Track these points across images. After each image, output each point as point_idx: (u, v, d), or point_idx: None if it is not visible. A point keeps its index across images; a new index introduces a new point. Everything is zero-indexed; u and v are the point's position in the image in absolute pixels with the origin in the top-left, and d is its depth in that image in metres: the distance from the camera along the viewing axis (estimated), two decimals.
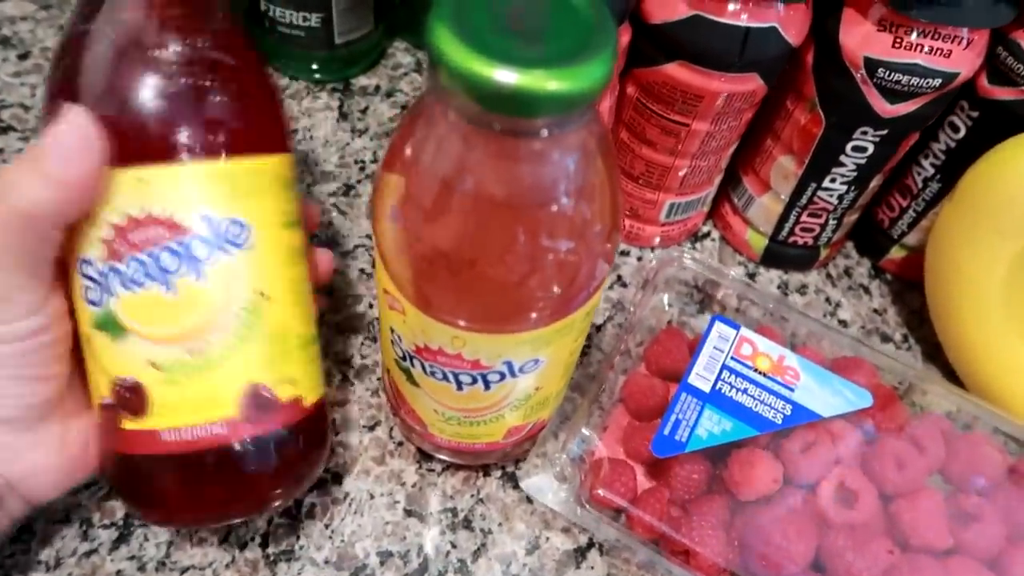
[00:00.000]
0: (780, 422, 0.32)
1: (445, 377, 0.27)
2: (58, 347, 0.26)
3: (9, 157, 0.43)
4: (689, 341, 0.36)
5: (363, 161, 0.46)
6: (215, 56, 0.26)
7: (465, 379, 0.26)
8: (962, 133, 0.39)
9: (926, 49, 0.33)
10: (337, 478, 0.35)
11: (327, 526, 0.34)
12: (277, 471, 0.27)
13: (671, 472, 0.32)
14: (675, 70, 0.35)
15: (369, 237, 0.43)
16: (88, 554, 0.32)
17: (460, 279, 0.23)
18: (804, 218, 0.42)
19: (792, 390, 0.33)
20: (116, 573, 0.31)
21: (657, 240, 0.45)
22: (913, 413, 0.35)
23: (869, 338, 0.44)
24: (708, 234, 0.48)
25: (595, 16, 0.19)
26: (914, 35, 0.33)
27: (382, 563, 0.33)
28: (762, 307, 0.37)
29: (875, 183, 0.41)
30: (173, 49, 0.25)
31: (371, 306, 0.40)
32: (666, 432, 0.31)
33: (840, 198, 0.41)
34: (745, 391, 0.32)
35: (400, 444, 0.36)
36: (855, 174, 0.39)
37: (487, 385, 0.27)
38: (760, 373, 0.33)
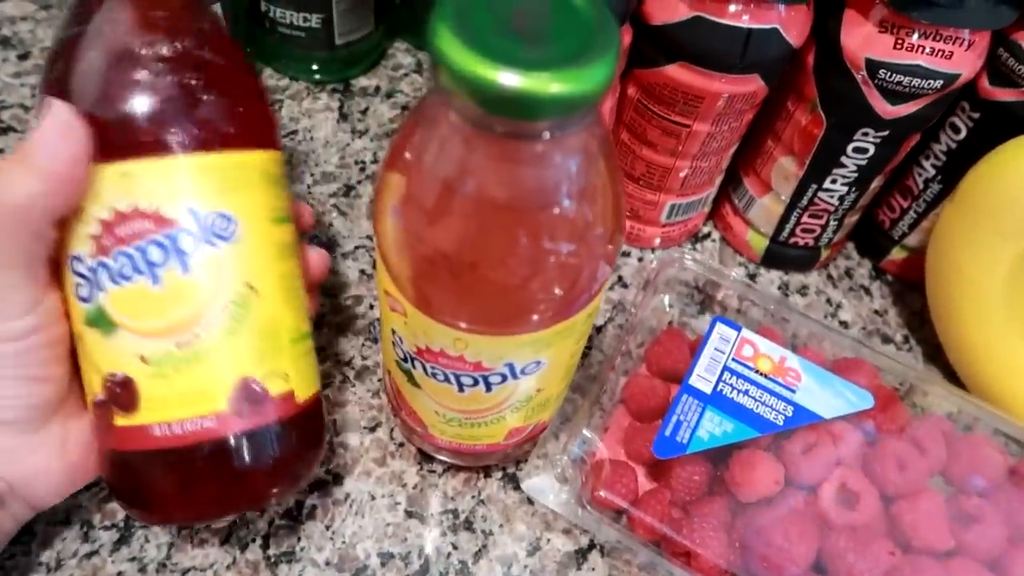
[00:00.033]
0: (781, 423, 0.32)
1: (446, 379, 0.27)
2: (56, 347, 0.26)
3: None
4: (690, 342, 0.36)
5: (363, 162, 0.46)
6: (197, 53, 0.26)
7: (467, 381, 0.26)
8: (963, 134, 0.39)
9: (927, 50, 0.33)
10: (338, 479, 0.35)
11: (328, 527, 0.34)
12: (270, 467, 0.27)
13: (672, 473, 0.32)
14: (676, 71, 0.35)
15: (370, 238, 0.43)
16: (89, 556, 0.32)
17: (462, 281, 0.23)
18: (805, 219, 0.42)
19: (793, 391, 0.33)
20: (117, 575, 0.31)
21: (658, 241, 0.45)
22: (914, 414, 0.35)
23: (870, 339, 0.44)
24: (709, 235, 0.48)
25: (597, 17, 0.19)
26: (915, 36, 0.33)
27: (383, 564, 0.33)
28: (763, 308, 0.37)
29: (876, 184, 0.41)
30: (156, 47, 0.25)
31: (372, 307, 0.40)
32: (667, 433, 0.31)
33: (841, 199, 0.41)
34: (746, 392, 0.32)
35: (401, 445, 0.36)
36: (856, 175, 0.39)
37: (488, 387, 0.27)
38: (761, 374, 0.33)
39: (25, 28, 0.49)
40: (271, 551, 0.33)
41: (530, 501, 0.35)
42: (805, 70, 0.37)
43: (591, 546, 0.34)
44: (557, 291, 0.23)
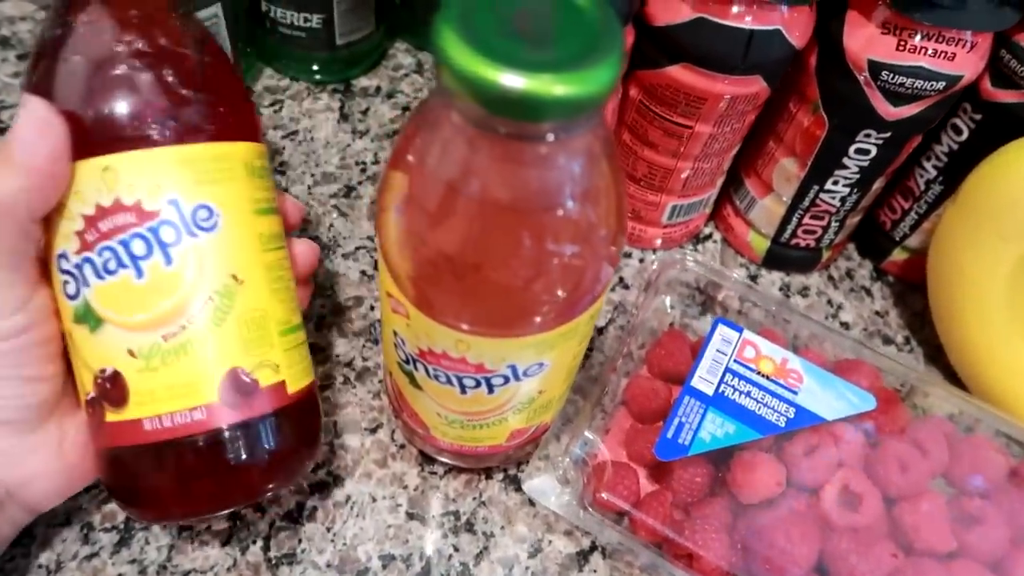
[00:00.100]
0: (783, 425, 0.32)
1: (448, 380, 0.27)
2: (48, 346, 0.26)
3: None
4: (691, 343, 0.36)
5: (364, 162, 0.46)
6: (174, 49, 0.27)
7: (469, 382, 0.26)
8: (965, 135, 0.39)
9: (930, 52, 0.33)
10: (339, 481, 0.35)
11: (329, 529, 0.33)
12: (263, 458, 0.27)
13: (674, 475, 0.32)
14: (678, 72, 0.35)
15: (371, 239, 0.43)
16: (89, 558, 0.32)
17: (465, 283, 0.23)
18: (806, 220, 0.42)
19: (795, 393, 0.33)
20: None
21: (659, 242, 0.45)
22: (915, 416, 0.35)
23: (871, 340, 0.44)
24: (710, 236, 0.48)
25: (601, 19, 0.19)
26: (918, 38, 0.33)
27: (384, 566, 0.33)
28: (764, 309, 0.37)
29: (877, 185, 0.41)
30: (132, 44, 0.26)
31: (372, 308, 0.40)
32: (669, 435, 0.31)
33: (842, 200, 0.41)
34: (748, 394, 0.32)
35: (402, 447, 0.36)
36: (858, 176, 0.39)
37: (490, 389, 0.27)
38: (763, 376, 0.33)
39: (25, 28, 0.49)
40: (272, 553, 0.33)
41: (531, 503, 0.35)
42: (807, 71, 0.37)
43: (592, 548, 0.34)
44: (560, 293, 0.23)
